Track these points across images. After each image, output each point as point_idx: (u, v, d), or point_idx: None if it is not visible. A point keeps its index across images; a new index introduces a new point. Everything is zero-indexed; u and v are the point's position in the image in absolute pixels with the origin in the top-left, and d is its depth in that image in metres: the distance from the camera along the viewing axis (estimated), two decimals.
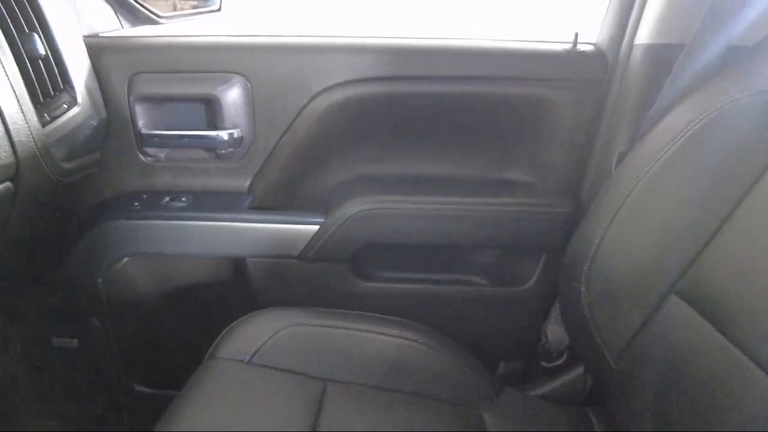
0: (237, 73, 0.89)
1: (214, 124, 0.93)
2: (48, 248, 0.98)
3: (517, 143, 0.98)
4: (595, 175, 0.92)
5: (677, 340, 0.60)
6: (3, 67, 0.69)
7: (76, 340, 1.04)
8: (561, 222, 0.91)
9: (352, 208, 0.92)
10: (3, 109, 0.68)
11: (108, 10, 1.04)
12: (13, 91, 0.70)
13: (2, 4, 0.73)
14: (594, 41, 0.93)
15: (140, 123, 0.93)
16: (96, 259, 0.96)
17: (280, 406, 0.68)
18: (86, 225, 0.96)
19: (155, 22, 1.12)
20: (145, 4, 1.10)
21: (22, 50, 0.75)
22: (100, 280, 0.96)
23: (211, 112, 0.92)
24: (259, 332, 0.78)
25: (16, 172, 0.72)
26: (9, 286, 1.00)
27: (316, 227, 0.92)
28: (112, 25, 1.05)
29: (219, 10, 1.23)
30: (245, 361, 0.74)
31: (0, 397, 1.11)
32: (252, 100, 0.91)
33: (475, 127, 0.99)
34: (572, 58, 0.90)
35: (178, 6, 1.30)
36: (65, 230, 0.98)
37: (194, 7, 1.33)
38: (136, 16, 1.08)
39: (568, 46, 0.90)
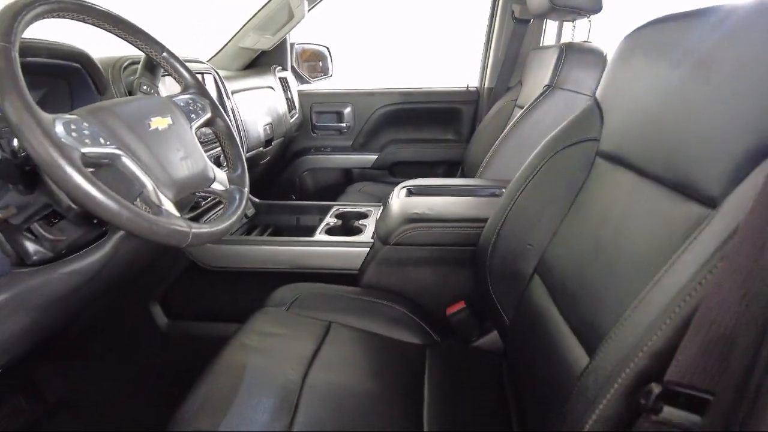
0: (349, 103, 2.35)
1: (340, 121, 2.39)
2: (274, 169, 2.45)
3: (449, 125, 2.40)
4: (475, 132, 2.33)
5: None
6: (282, 103, 2.17)
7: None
8: (464, 147, 2.31)
9: (388, 148, 2.36)
10: (286, 115, 2.15)
11: (293, 78, 2.53)
12: (285, 111, 2.18)
13: (282, 84, 2.20)
14: (475, 85, 2.36)
15: (314, 121, 2.40)
16: (296, 171, 2.42)
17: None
18: (291, 159, 2.43)
19: (308, 81, 2.59)
20: (304, 74, 2.58)
21: (285, 97, 2.22)
22: (297, 179, 2.43)
23: (340, 116, 2.38)
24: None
25: (285, 134, 2.19)
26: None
27: (376, 156, 2.37)
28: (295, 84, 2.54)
29: (331, 75, 2.70)
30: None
31: None
32: (354, 112, 2.37)
33: (433, 119, 2.41)
34: (466, 92, 2.33)
35: (304, 73, 2.77)
36: (281, 161, 2.45)
37: (316, 73, 2.80)
38: (301, 78, 2.55)
39: (465, 88, 2.33)
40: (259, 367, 0.89)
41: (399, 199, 1.30)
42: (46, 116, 0.63)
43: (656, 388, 0.44)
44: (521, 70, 2.03)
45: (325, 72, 2.66)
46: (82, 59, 0.96)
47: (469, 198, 1.30)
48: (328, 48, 2.66)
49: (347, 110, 2.36)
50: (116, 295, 1.30)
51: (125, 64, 1.10)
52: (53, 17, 0.73)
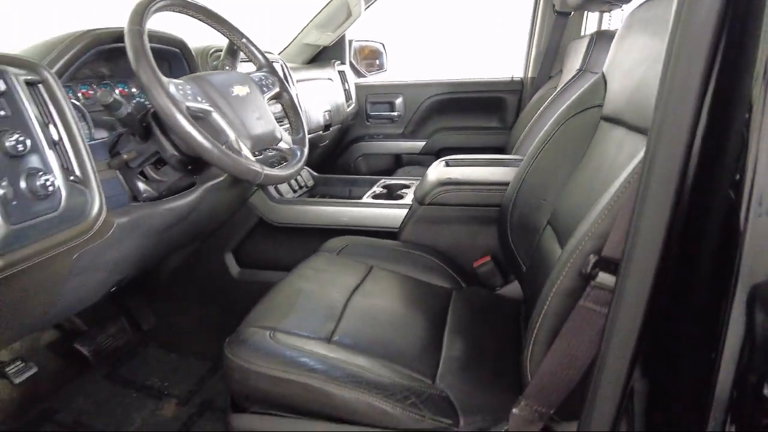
0: (401, 93, 2.55)
1: (392, 110, 2.58)
2: (333, 154, 2.68)
3: (493, 113, 2.53)
4: (517, 119, 2.45)
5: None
6: (340, 93, 2.39)
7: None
8: (508, 132, 2.43)
9: (436, 135, 2.53)
10: (343, 104, 2.37)
11: (350, 71, 2.74)
12: (342, 101, 2.40)
13: (340, 77, 2.42)
14: (519, 75, 2.48)
15: (368, 110, 2.61)
16: (351, 156, 2.64)
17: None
18: (347, 145, 2.65)
19: (364, 76, 2.80)
20: (361, 69, 2.80)
21: (343, 88, 2.44)
22: (352, 164, 2.64)
23: (392, 106, 2.57)
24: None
25: (342, 122, 2.41)
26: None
27: (424, 142, 2.54)
28: (353, 77, 2.75)
29: (385, 70, 2.90)
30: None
31: None
32: (404, 102, 2.56)
33: (478, 108, 2.55)
34: (510, 82, 2.45)
35: (361, 68, 2.99)
36: (338, 147, 2.68)
37: (372, 68, 3.01)
38: (358, 73, 2.77)
39: (510, 78, 2.46)
40: (312, 291, 1.09)
41: (436, 169, 1.47)
42: (165, 79, 0.86)
43: (593, 258, 0.59)
44: (562, 59, 2.14)
45: (380, 67, 2.86)
46: (181, 46, 1.20)
47: (497, 167, 1.45)
48: (383, 44, 2.86)
49: (398, 100, 2.54)
50: (198, 245, 1.55)
51: (211, 51, 1.34)
52: (167, 10, 0.97)
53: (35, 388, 1.35)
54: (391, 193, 1.66)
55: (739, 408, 0.42)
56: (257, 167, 0.95)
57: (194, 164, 1.07)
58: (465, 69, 2.96)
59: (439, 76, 2.56)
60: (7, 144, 0.70)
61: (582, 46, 1.74)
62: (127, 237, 1.03)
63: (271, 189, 1.56)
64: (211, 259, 1.57)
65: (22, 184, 0.72)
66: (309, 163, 1.99)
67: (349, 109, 2.41)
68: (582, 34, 2.19)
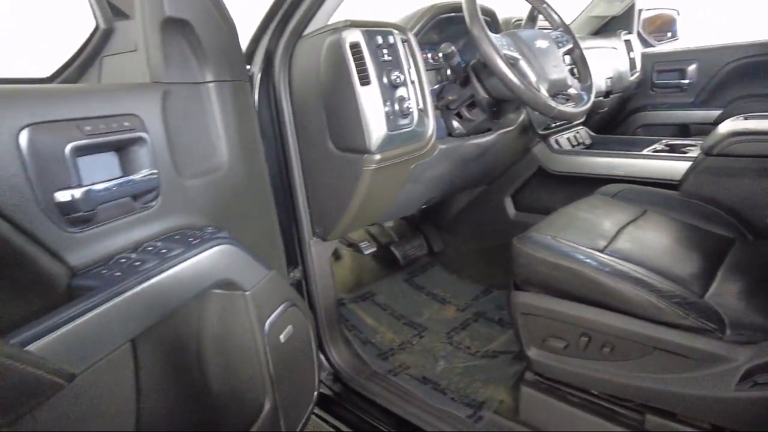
0: (695, 60, 2.38)
1: (683, 78, 2.44)
2: (610, 124, 2.68)
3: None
4: None
5: None
6: (624, 62, 2.38)
7: None
8: None
9: (735, 103, 2.29)
10: (626, 73, 2.37)
11: (637, 41, 2.67)
12: (626, 70, 2.39)
13: (626, 46, 2.41)
14: None
15: (653, 79, 2.51)
16: (630, 126, 2.60)
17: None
18: (627, 116, 2.61)
19: (652, 45, 2.69)
20: (649, 39, 2.69)
21: (628, 57, 2.42)
22: (631, 133, 2.60)
23: (682, 74, 2.43)
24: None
25: (624, 90, 2.40)
26: None
27: (720, 111, 2.33)
28: (639, 46, 2.68)
29: (677, 39, 2.72)
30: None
31: None
32: (698, 69, 2.38)
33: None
34: None
35: (650, 38, 2.84)
36: (617, 117, 2.66)
37: (663, 38, 2.84)
38: (647, 43, 2.67)
39: None
40: (587, 218, 1.25)
41: (731, 122, 1.43)
42: (490, 33, 1.13)
43: None
44: None
45: (672, 36, 2.70)
46: (491, 14, 1.48)
47: None
48: (677, 11, 2.69)
49: (691, 67, 2.39)
50: (483, 189, 1.85)
51: (514, 20, 1.59)
52: None
53: (362, 275, 1.86)
54: (674, 150, 1.65)
55: None
56: (552, 103, 1.15)
57: (498, 107, 1.34)
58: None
59: (741, 38, 2.30)
60: (392, 77, 1.07)
61: None
62: (443, 160, 1.36)
63: (552, 141, 1.74)
64: (492, 202, 1.85)
65: (396, 106, 1.09)
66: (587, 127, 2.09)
67: (632, 78, 2.39)
68: None
